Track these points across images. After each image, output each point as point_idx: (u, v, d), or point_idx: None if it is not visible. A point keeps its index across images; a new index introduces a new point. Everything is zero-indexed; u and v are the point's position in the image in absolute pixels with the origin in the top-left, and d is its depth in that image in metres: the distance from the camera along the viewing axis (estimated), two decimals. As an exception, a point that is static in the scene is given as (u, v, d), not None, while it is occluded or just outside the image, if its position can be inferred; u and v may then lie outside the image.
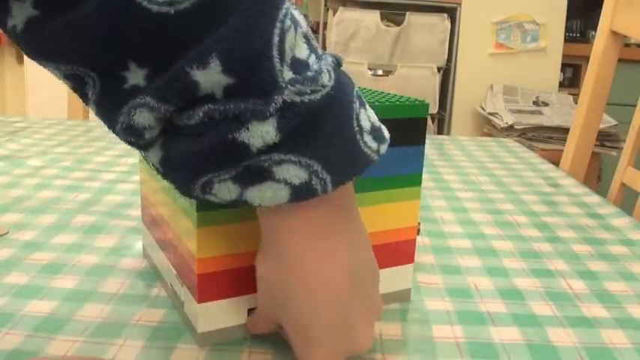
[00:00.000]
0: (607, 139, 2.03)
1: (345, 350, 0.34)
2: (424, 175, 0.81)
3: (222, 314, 0.38)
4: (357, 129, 0.30)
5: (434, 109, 2.44)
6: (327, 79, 0.28)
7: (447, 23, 2.36)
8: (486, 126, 2.32)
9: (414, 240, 0.44)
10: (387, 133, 0.32)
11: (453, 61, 2.43)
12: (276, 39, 0.27)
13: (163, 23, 0.25)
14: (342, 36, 2.34)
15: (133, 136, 0.28)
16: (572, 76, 2.69)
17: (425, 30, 2.35)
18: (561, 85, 2.55)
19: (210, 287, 0.37)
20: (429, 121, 2.40)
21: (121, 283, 0.46)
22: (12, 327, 0.39)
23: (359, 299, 0.33)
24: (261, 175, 0.28)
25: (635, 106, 0.93)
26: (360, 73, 2.36)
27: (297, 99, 0.27)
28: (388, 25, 2.36)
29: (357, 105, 0.30)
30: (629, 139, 0.93)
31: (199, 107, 0.27)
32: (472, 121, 2.48)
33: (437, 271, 0.51)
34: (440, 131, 2.54)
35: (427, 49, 2.38)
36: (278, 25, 0.27)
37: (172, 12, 0.25)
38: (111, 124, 0.29)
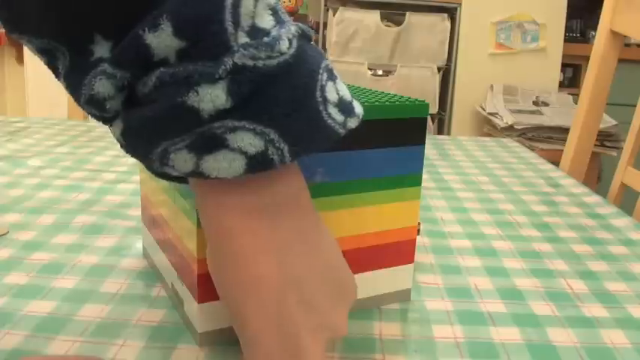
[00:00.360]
0: (607, 139, 2.03)
1: None
2: (424, 175, 0.81)
3: (222, 314, 0.38)
4: (320, 99, 0.28)
5: (434, 109, 2.44)
6: (285, 47, 0.27)
7: (447, 23, 2.36)
8: (486, 126, 2.32)
9: (414, 240, 0.44)
10: (359, 109, 0.31)
11: (453, 61, 2.43)
12: (229, 2, 0.26)
13: None
14: (342, 36, 2.34)
15: (95, 107, 0.28)
16: (572, 76, 2.70)
17: (425, 30, 2.35)
18: (561, 85, 2.55)
19: (210, 287, 0.37)
20: (429, 121, 2.40)
21: (121, 283, 0.46)
22: (12, 327, 0.39)
23: (299, 306, 0.30)
24: (215, 143, 0.27)
25: (635, 106, 0.93)
26: (360, 73, 2.36)
27: (250, 63, 0.26)
28: (388, 25, 2.36)
29: (322, 77, 0.29)
30: (629, 139, 0.93)
31: (153, 73, 0.26)
32: (472, 121, 2.48)
33: (437, 271, 0.51)
34: (440, 131, 2.54)
35: (427, 49, 2.38)
36: None
37: None
38: (77, 97, 0.28)
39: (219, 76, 0.26)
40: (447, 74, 2.47)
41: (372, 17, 2.34)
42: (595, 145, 1.10)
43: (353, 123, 0.30)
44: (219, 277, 0.31)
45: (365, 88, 0.46)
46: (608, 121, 2.02)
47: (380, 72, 2.39)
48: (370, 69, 2.38)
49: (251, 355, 0.31)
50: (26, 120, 1.08)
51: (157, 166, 0.29)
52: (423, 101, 0.41)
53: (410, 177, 0.43)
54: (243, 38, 0.26)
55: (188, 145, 0.27)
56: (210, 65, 0.26)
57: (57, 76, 0.29)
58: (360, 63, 2.37)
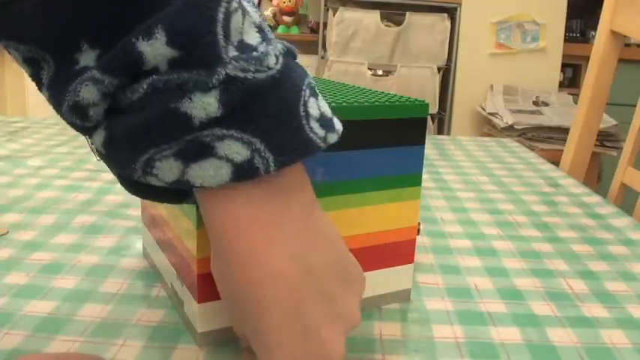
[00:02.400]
0: (607, 139, 2.03)
1: (306, 357, 0.30)
2: (424, 175, 0.81)
3: (222, 314, 0.38)
4: (303, 114, 0.29)
5: (434, 109, 2.44)
6: (272, 62, 0.28)
7: (447, 23, 2.36)
8: (486, 126, 2.32)
9: (414, 240, 0.44)
10: (338, 125, 0.32)
11: (453, 61, 2.43)
12: (220, 16, 0.27)
13: (115, 1, 0.26)
14: (342, 36, 2.34)
15: (78, 115, 0.28)
16: (572, 76, 2.70)
17: (425, 30, 2.35)
18: (561, 85, 2.55)
19: (210, 287, 0.37)
20: (429, 121, 2.40)
21: (121, 283, 0.46)
22: (12, 327, 0.39)
23: (316, 297, 0.30)
24: (203, 151, 0.28)
25: (635, 106, 0.93)
26: (360, 73, 2.36)
27: (241, 74, 0.27)
28: (388, 25, 2.36)
29: (306, 92, 0.30)
30: (629, 139, 0.93)
31: (143, 80, 0.27)
32: (472, 121, 2.48)
33: (437, 271, 0.51)
34: (440, 131, 2.54)
35: (427, 49, 2.38)
36: (223, 4, 0.27)
37: None
38: (59, 106, 0.29)
39: (212, 85, 0.27)
40: (447, 74, 2.47)
41: (372, 17, 2.34)
42: (595, 145, 1.10)
43: (332, 138, 0.31)
44: (227, 278, 0.31)
45: (365, 88, 0.46)
46: (608, 121, 2.03)
47: (380, 72, 2.39)
48: (370, 69, 2.38)
49: (270, 356, 0.30)
50: (26, 120, 1.08)
51: (138, 175, 0.29)
52: (423, 101, 0.41)
53: (410, 177, 0.43)
54: (232, 52, 0.27)
55: (175, 153, 0.28)
56: (204, 74, 0.27)
57: (40, 87, 0.29)
58: (360, 63, 2.37)
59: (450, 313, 0.44)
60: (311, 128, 0.30)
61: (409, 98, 0.42)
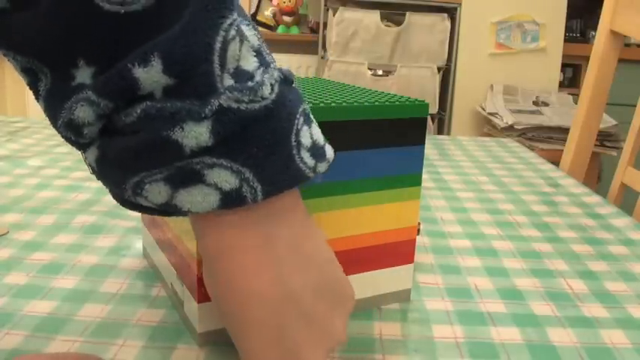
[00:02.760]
0: (607, 139, 2.03)
1: None
2: (424, 175, 0.81)
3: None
4: (294, 144, 0.30)
5: (434, 109, 2.44)
6: (267, 92, 0.28)
7: (447, 23, 2.36)
8: (486, 126, 2.32)
9: (414, 240, 0.44)
10: (329, 153, 0.32)
11: (453, 61, 2.43)
12: (217, 45, 0.27)
13: (113, 22, 0.26)
14: (342, 36, 2.34)
15: (72, 132, 0.29)
16: (572, 76, 2.70)
17: (425, 30, 2.35)
18: (561, 85, 2.55)
19: (210, 287, 0.37)
20: (429, 121, 2.41)
21: (121, 283, 0.46)
22: (12, 327, 0.39)
23: (298, 320, 0.31)
24: (192, 178, 0.28)
25: (635, 106, 0.93)
26: (360, 73, 2.36)
27: (234, 105, 0.27)
28: (388, 25, 2.36)
29: (299, 121, 0.30)
30: (629, 139, 0.93)
31: (138, 105, 0.27)
32: (472, 121, 2.48)
33: (437, 271, 0.51)
34: (440, 131, 2.54)
35: (427, 49, 2.38)
36: (222, 33, 0.27)
37: (122, 12, 0.26)
38: (54, 120, 0.29)
39: (205, 115, 0.27)
40: (447, 74, 2.47)
41: (372, 17, 2.34)
42: (595, 145, 1.10)
43: (322, 167, 0.32)
44: (217, 295, 0.32)
45: (365, 88, 0.46)
46: (608, 121, 2.02)
47: (380, 72, 2.39)
48: (370, 69, 2.38)
49: None
50: (26, 120, 1.08)
51: (128, 194, 0.30)
52: (423, 101, 0.41)
53: (410, 177, 0.43)
54: (228, 80, 0.28)
55: (165, 178, 0.28)
56: (197, 104, 0.27)
57: (37, 97, 0.30)
58: (360, 63, 2.37)
59: (450, 313, 0.44)
60: (301, 158, 0.30)
61: (409, 98, 0.42)
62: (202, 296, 0.37)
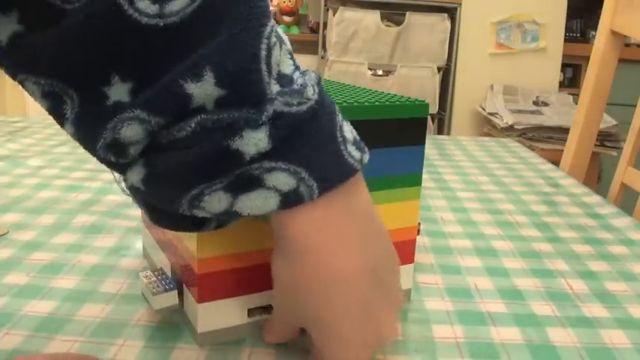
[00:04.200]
0: (607, 139, 2.03)
1: (372, 342, 0.34)
2: (424, 175, 0.81)
3: (222, 314, 0.38)
4: (340, 139, 0.31)
5: (434, 109, 2.44)
6: (311, 93, 0.29)
7: (447, 23, 2.36)
8: (486, 126, 2.32)
9: (414, 240, 0.44)
10: (365, 147, 0.34)
11: (453, 61, 2.43)
12: (263, 53, 0.28)
13: (151, 35, 0.26)
14: (342, 36, 2.34)
15: (115, 152, 0.28)
16: (572, 76, 2.69)
17: (425, 30, 2.35)
18: (561, 85, 2.55)
19: (210, 287, 0.37)
20: (429, 121, 2.40)
21: (121, 283, 0.46)
22: (12, 327, 0.39)
23: (377, 288, 0.33)
24: (252, 183, 0.29)
25: (635, 106, 0.93)
26: (360, 73, 2.36)
27: (286, 109, 0.28)
28: (388, 25, 2.36)
29: (339, 118, 0.32)
30: (629, 139, 0.93)
31: (190, 119, 0.27)
32: (472, 121, 2.48)
33: (437, 271, 0.51)
34: (440, 131, 2.54)
35: (427, 49, 2.38)
36: (265, 40, 0.28)
37: (161, 24, 0.25)
38: (92, 143, 0.28)
39: (262, 122, 0.28)
40: (447, 74, 2.47)
41: (372, 17, 2.34)
42: (595, 145, 1.10)
43: (366, 159, 0.33)
44: (294, 280, 0.33)
45: (365, 88, 0.46)
46: (608, 121, 2.02)
47: (380, 72, 2.39)
48: (370, 69, 2.38)
49: (347, 348, 0.33)
50: (26, 120, 1.08)
51: (184, 208, 0.30)
52: (423, 101, 0.41)
53: (410, 177, 0.42)
54: (275, 86, 0.29)
55: (225, 186, 0.29)
56: (254, 112, 0.28)
57: (61, 122, 0.29)
58: (360, 63, 2.37)
59: (450, 313, 0.44)
60: (349, 153, 0.31)
61: (409, 98, 0.42)
62: (202, 296, 0.37)
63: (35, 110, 2.58)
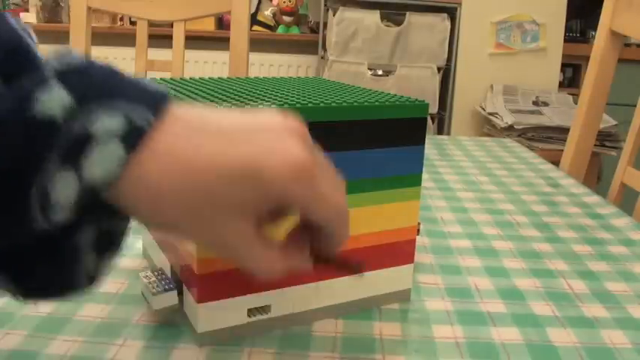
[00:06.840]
0: (607, 139, 2.03)
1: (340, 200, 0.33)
2: (424, 175, 0.81)
3: (222, 314, 0.38)
4: (133, 76, 0.29)
5: (434, 109, 2.44)
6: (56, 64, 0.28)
7: (447, 23, 2.36)
8: (486, 126, 2.32)
9: (414, 240, 0.44)
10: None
11: (453, 61, 2.43)
12: (21, 31, 0.28)
13: None
14: (342, 36, 2.34)
15: None
16: (572, 76, 2.69)
17: (425, 30, 2.35)
18: (561, 85, 2.55)
19: (210, 287, 0.37)
20: (429, 121, 2.41)
21: (121, 283, 0.46)
22: (12, 327, 0.39)
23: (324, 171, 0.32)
24: (83, 141, 0.26)
25: (635, 106, 0.93)
26: (360, 73, 2.36)
27: (65, 66, 0.27)
28: (388, 25, 2.36)
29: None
30: (628, 139, 0.93)
31: None
32: (472, 121, 2.48)
33: (437, 271, 0.51)
34: (440, 131, 2.54)
35: (427, 49, 2.38)
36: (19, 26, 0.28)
37: None
38: None
39: (49, 77, 0.26)
40: (447, 74, 2.47)
41: (372, 17, 2.34)
42: (595, 145, 1.10)
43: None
44: (189, 207, 0.29)
45: (365, 88, 0.46)
46: (608, 121, 2.02)
47: (380, 72, 2.39)
48: (370, 69, 2.38)
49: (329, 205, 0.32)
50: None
51: (38, 218, 0.26)
52: (423, 101, 0.41)
53: (410, 177, 0.43)
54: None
55: (61, 162, 0.26)
56: (37, 74, 0.26)
57: None
58: (360, 63, 2.37)
59: (450, 313, 0.44)
60: (147, 84, 0.29)
61: (409, 98, 0.42)
62: (202, 296, 0.37)
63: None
